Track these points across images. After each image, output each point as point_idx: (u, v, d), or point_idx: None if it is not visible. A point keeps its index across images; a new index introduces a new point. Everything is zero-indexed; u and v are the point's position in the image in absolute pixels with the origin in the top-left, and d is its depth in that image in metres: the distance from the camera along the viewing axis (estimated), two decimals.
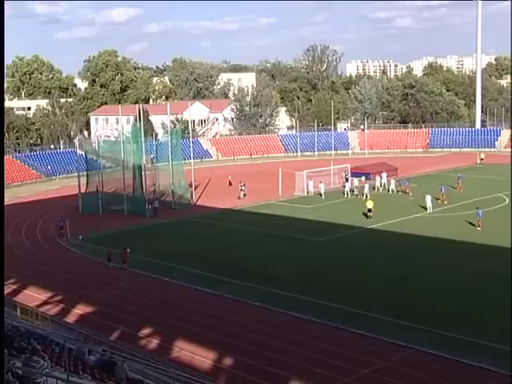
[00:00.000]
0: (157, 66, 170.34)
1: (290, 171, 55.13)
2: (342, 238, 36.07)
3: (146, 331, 22.59)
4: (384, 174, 54.64)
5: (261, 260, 31.92)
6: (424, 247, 33.09)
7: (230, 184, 58.37)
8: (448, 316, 22.85)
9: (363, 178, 54.95)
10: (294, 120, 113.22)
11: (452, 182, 52.78)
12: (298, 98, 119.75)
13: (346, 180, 53.33)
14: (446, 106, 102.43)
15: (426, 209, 41.85)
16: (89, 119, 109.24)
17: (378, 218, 40.45)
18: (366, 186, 49.65)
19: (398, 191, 51.12)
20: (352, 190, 51.16)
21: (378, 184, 52.59)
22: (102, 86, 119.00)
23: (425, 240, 34.57)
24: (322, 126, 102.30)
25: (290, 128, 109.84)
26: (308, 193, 51.67)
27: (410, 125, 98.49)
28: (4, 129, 37.49)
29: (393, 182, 52.02)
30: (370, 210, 40.56)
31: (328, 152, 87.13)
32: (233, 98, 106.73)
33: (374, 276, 28.22)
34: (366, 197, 48.08)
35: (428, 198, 42.11)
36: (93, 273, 31.31)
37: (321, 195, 49.25)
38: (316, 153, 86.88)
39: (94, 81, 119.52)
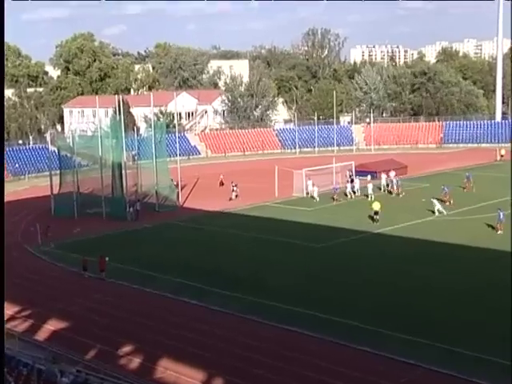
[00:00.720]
0: (138, 52, 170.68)
1: (287, 169, 55.32)
2: (345, 243, 36.31)
3: (126, 349, 22.60)
4: (392, 173, 55.11)
5: (254, 268, 32.07)
6: (436, 254, 33.33)
7: (222, 184, 58.52)
8: (461, 329, 23.06)
9: (368, 177, 55.29)
10: (291, 113, 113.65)
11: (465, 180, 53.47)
12: (297, 88, 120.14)
13: (352, 181, 53.70)
14: (463, 97, 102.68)
15: (439, 212, 42.25)
16: (62, 111, 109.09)
17: (385, 221, 40.68)
18: (370, 186, 50.06)
19: (390, 192, 51.77)
20: (354, 192, 51.57)
21: (383, 183, 52.93)
22: (76, 74, 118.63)
23: (437, 246, 34.86)
24: (323, 119, 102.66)
25: (288, 121, 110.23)
26: (307, 194, 52.01)
27: (421, 117, 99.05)
28: (4, 129, 39.03)
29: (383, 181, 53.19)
30: (376, 213, 40.83)
31: (330, 148, 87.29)
32: (224, 88, 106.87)
33: (380, 285, 28.43)
34: (371, 198, 48.62)
35: (435, 201, 42.65)
36: (66, 284, 31.30)
37: (313, 198, 49.34)
38: (316, 149, 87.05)
39: (67, 68, 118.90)
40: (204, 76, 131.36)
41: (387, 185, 53.13)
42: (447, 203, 45.34)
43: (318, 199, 49.08)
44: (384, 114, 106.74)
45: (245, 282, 29.67)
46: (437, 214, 41.99)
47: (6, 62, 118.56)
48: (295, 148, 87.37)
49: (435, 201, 42.78)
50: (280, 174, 54.02)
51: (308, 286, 29.02)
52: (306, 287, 28.78)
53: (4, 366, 9.92)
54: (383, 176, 53.99)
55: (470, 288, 27.70)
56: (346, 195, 50.77)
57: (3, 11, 9.68)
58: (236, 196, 52.55)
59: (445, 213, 41.92)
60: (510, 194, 44.47)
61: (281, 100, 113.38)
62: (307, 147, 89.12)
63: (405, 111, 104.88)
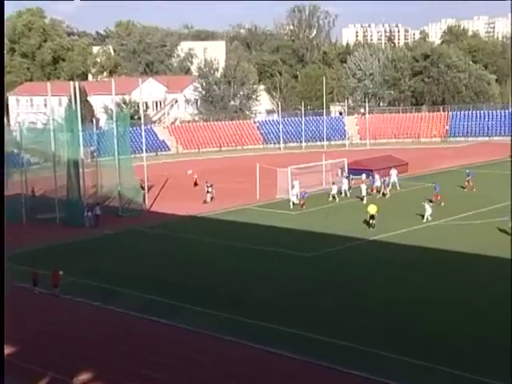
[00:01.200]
0: (97, 32, 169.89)
1: (270, 168, 55.59)
2: (338, 252, 36.61)
3: (83, 376, 22.41)
4: (394, 171, 55.84)
5: (232, 282, 32.17)
6: (439, 263, 33.75)
7: (196, 184, 58.62)
8: (468, 351, 23.30)
9: (363, 176, 55.83)
10: (275, 102, 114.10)
11: (476, 180, 54.28)
12: (281, 74, 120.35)
13: (346, 180, 54.28)
14: (472, 83, 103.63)
15: (427, 219, 43.00)
16: (7, 100, 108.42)
17: (382, 226, 41.17)
18: (364, 187, 50.55)
19: (383, 194, 52.55)
20: (340, 192, 52.17)
21: (377, 184, 53.37)
22: (24, 56, 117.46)
23: (440, 254, 35.35)
24: (311, 109, 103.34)
25: (271, 112, 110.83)
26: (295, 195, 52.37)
27: (424, 107, 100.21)
28: (4, 129, 40.31)
29: (377, 181, 53.91)
30: (372, 217, 41.23)
31: (319, 143, 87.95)
32: (197, 74, 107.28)
33: (376, 300, 28.69)
34: (362, 199, 49.31)
35: (427, 206, 43.30)
36: (13, 302, 30.97)
37: (293, 203, 49.39)
38: (303, 144, 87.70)
39: (12, 49, 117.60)
40: (174, 60, 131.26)
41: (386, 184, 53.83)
42: (438, 204, 46.50)
43: (294, 203, 49.05)
44: (381, 104, 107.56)
45: (222, 298, 29.76)
46: (424, 220, 42.69)
47: None
48: (279, 143, 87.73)
49: (427, 206, 43.30)
50: (262, 173, 54.22)
51: (295, 301, 29.18)
52: (292, 303, 28.95)
53: (4, 367, 10.27)
54: (377, 177, 54.50)
55: (474, 301, 28.02)
56: (335, 198, 51.22)
57: (3, 11, 9.93)
58: (211, 198, 52.63)
59: (429, 218, 42.58)
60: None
61: (262, 88, 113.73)
62: (293, 142, 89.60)
63: (405, 100, 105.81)
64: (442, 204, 46.67)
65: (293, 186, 51.05)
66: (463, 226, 41.56)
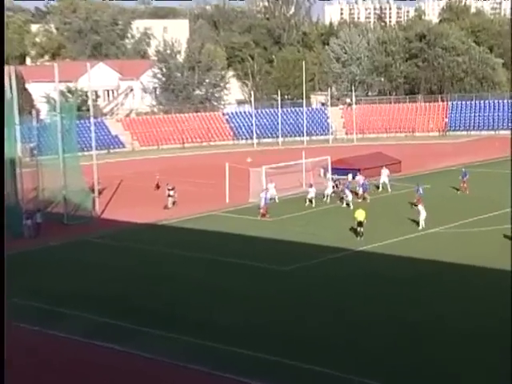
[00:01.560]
0: (36, 8, 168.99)
1: (241, 167, 55.75)
2: (320, 265, 36.80)
3: None
4: (385, 171, 56.39)
5: (196, 300, 32.18)
6: (438, 278, 34.08)
7: (158, 187, 58.39)
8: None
9: (349, 176, 56.13)
10: (246, 91, 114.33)
11: (474, 180, 55.20)
12: (253, 59, 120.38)
13: (335, 183, 54.62)
14: (475, 68, 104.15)
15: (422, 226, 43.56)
16: None
17: (372, 235, 41.56)
18: (347, 191, 50.67)
19: (363, 197, 52.91)
20: (323, 195, 52.57)
21: (362, 186, 53.58)
22: None
23: (439, 267, 35.78)
24: (290, 99, 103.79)
25: (242, 103, 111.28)
26: (271, 199, 52.55)
27: (419, 96, 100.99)
28: (4, 128, 41.45)
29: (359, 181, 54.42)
30: (360, 224, 41.50)
31: (298, 138, 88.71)
32: (155, 58, 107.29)
33: (366, 323, 28.93)
34: (348, 205, 49.91)
35: (420, 208, 43.79)
36: None
37: (262, 215, 49.24)
38: (280, 140, 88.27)
39: None
40: (127, 41, 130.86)
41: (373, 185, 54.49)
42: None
43: (259, 217, 49.10)
44: (370, 93, 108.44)
45: (184, 319, 29.76)
46: (420, 226, 43.10)
47: None
48: (252, 138, 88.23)
49: (421, 208, 43.66)
50: (232, 174, 54.40)
51: (270, 323, 29.28)
52: (267, 325, 29.03)
53: (4, 365, 12.90)
54: (359, 178, 54.83)
55: (487, 327, 28.27)
56: (311, 202, 51.52)
57: (3, 11, 10.61)
58: (173, 203, 52.61)
59: (423, 224, 43.04)
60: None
61: (232, 74, 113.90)
62: (268, 137, 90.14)
63: (397, 89, 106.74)
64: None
65: (267, 189, 51.18)
66: (461, 235, 42.09)
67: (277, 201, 53.04)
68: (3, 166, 35.91)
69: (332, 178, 55.62)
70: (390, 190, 55.33)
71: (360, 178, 54.60)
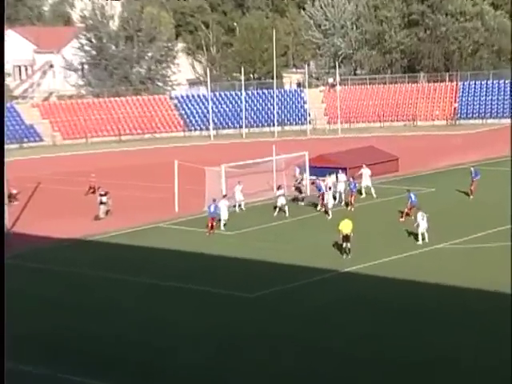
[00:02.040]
0: None
1: (194, 166, 55.69)
2: (294, 291, 36.78)
3: None
4: (366, 171, 56.22)
5: (138, 338, 32.02)
6: (445, 307, 34.09)
7: (93, 192, 57.50)
8: None
9: (332, 177, 56.21)
10: (200, 69, 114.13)
11: (489, 182, 55.65)
12: (208, 27, 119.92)
13: (298, 189, 54.65)
14: (491, 38, 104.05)
15: (422, 238, 43.73)
16: None
17: (361, 252, 41.57)
18: (329, 195, 50.74)
19: (346, 204, 53.37)
20: (297, 199, 53.21)
21: (340, 188, 53.70)
22: None
23: (446, 293, 35.77)
24: (256, 79, 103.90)
25: (195, 84, 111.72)
26: (235, 206, 52.74)
27: (421, 75, 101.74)
28: (4, 127, 41.32)
29: (341, 184, 54.67)
30: (346, 239, 41.41)
31: (267, 129, 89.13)
32: (82, 25, 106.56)
33: (352, 361, 28.99)
34: (327, 213, 50.23)
35: (419, 218, 43.76)
36: None
37: (217, 226, 49.03)
38: (244, 131, 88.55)
39: None
40: (45, 2, 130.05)
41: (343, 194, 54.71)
42: (404, 218, 47.99)
43: (224, 221, 48.92)
44: (358, 71, 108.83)
45: (124, 364, 29.55)
46: (420, 240, 43.28)
47: None
48: (208, 129, 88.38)
49: (421, 217, 43.64)
50: (183, 175, 54.37)
51: (233, 364, 29.18)
52: (229, 368, 28.90)
53: (4, 366, 14.23)
54: (341, 176, 55.08)
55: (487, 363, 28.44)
56: (284, 211, 51.32)
57: (3, 11, 14.09)
58: (107, 212, 52.42)
59: (425, 235, 43.22)
60: None
61: (182, 47, 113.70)
62: (229, 127, 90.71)
63: (393, 65, 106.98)
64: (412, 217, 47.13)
65: (225, 196, 50.97)
66: (472, 252, 42.16)
67: (243, 208, 53.37)
68: (3, 166, 36.95)
69: (300, 180, 55.60)
70: (374, 195, 55.03)
71: (342, 177, 54.86)
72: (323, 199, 51.80)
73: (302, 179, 55.74)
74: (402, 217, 48.40)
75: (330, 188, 52.16)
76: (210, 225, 47.66)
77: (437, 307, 34.35)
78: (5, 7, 14.64)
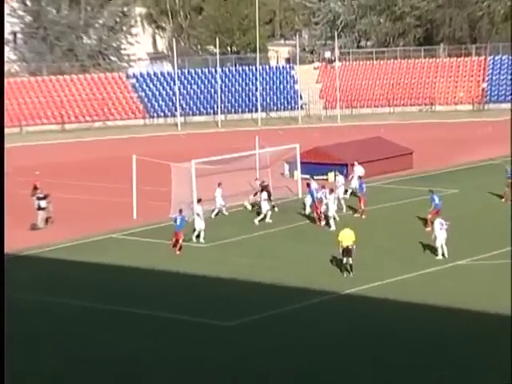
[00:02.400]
0: None
1: (157, 162, 55.97)
2: (283, 318, 36.76)
3: None
4: (359, 169, 56.69)
5: (88, 376, 32.17)
6: (467, 337, 33.89)
7: (35, 192, 57.30)
8: None
9: (330, 175, 56.48)
10: (164, 40, 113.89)
11: None
12: None
13: (261, 191, 54.36)
14: None
15: (443, 254, 43.99)
16: None
17: (366, 269, 41.82)
18: (332, 198, 50.78)
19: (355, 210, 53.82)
20: (273, 206, 53.27)
21: (340, 193, 53.87)
22: None
23: (470, 321, 35.64)
24: (235, 53, 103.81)
25: (157, 58, 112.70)
26: (214, 210, 53.41)
27: (440, 48, 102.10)
28: (4, 126, 43.00)
29: (341, 189, 55.00)
30: (347, 253, 41.47)
31: (248, 116, 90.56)
32: None
33: None
34: (327, 222, 50.34)
35: (437, 224, 43.80)
36: None
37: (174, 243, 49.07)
38: (220, 117, 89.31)
39: None
40: None
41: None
42: (428, 228, 47.76)
43: (195, 239, 49.11)
44: (363, 42, 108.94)
45: None
46: (439, 255, 43.42)
47: None
48: (174, 115, 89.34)
49: (439, 225, 43.71)
50: (142, 172, 54.64)
51: None
52: None
53: (4, 365, 16.53)
54: (339, 179, 55.28)
55: None
56: (264, 218, 52.08)
57: (3, 11, 13.98)
58: (47, 220, 52.59)
59: (444, 249, 43.40)
60: None
61: (141, 12, 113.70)
62: (200, 113, 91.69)
63: (406, 35, 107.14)
64: (429, 229, 47.24)
65: (200, 201, 50.99)
66: (502, 269, 41.81)
67: (225, 213, 54.30)
68: (3, 166, 38.38)
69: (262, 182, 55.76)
70: (362, 209, 54.81)
71: (340, 179, 55.19)
72: (317, 207, 51.94)
73: (263, 182, 55.67)
74: (427, 225, 48.29)
75: (331, 190, 52.12)
76: (174, 241, 47.37)
77: (457, 337, 34.17)
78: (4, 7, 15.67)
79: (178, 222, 47.19)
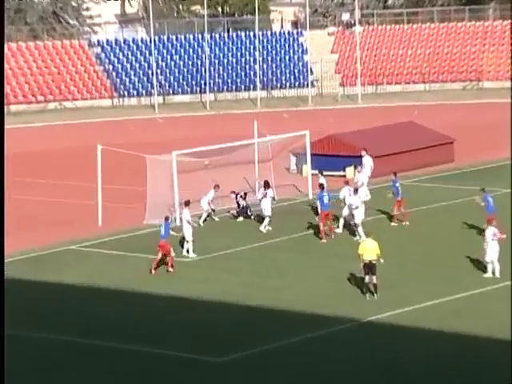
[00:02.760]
0: None
1: (129, 153, 56.11)
2: (286, 352, 36.66)
3: None
4: (368, 160, 57.17)
5: None
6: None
7: None
8: None
9: (348, 170, 56.67)
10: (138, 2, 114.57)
11: None
12: None
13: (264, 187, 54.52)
14: None
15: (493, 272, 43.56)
16: None
17: (394, 290, 42.01)
18: (356, 200, 50.78)
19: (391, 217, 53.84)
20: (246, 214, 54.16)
21: (361, 194, 53.88)
22: None
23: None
24: (228, 15, 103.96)
25: (128, 22, 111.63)
26: (203, 215, 53.59)
27: (489, 8, 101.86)
28: (4, 124, 47.11)
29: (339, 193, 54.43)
30: (370, 269, 41.49)
31: (244, 94, 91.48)
32: None
33: None
34: (354, 234, 50.19)
35: (490, 233, 43.72)
36: None
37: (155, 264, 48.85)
38: (208, 97, 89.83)
39: None
40: None
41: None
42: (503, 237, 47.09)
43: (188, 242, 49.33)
44: (390, 1, 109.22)
45: None
46: (489, 274, 43.41)
47: None
48: (150, 94, 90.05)
49: (490, 236, 43.61)
50: (110, 166, 54.91)
51: None
52: None
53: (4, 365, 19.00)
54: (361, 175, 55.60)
55: None
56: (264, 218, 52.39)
57: (3, 11, 14.66)
58: None
59: (496, 267, 43.37)
60: None
61: None
62: (183, 92, 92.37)
63: None
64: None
65: (188, 205, 51.05)
66: None
67: (215, 219, 54.75)
68: (3, 165, 40.25)
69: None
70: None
71: (363, 175, 55.01)
72: (327, 216, 51.65)
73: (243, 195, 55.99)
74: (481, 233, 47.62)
75: (356, 190, 52.07)
76: (159, 256, 46.84)
77: (507, 375, 34.24)
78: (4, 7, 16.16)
79: (162, 232, 46.88)
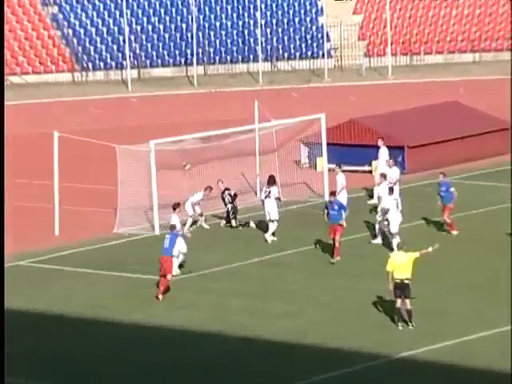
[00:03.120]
0: None
1: (95, 142, 55.79)
2: None
3: None
4: (385, 151, 57.66)
5: None
6: None
7: None
8: None
9: (379, 162, 56.68)
10: None
11: None
12: None
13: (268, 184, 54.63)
14: None
15: None
16: None
17: (432, 318, 41.98)
18: (391, 201, 50.80)
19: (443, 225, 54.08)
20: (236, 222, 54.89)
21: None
22: None
23: None
24: None
25: None
26: (188, 221, 54.03)
27: None
28: (4, 124, 49.55)
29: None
30: (402, 290, 41.47)
31: (242, 67, 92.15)
32: None
33: None
34: (391, 246, 50.19)
35: None
36: None
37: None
38: (196, 70, 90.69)
39: None
40: None
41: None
42: None
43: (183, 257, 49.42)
44: None
45: None
46: None
47: None
48: (122, 67, 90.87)
49: None
50: (71, 159, 55.34)
51: None
52: None
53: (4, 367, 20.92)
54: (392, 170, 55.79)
55: None
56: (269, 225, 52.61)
57: (3, 11, 15.10)
58: None
59: None
60: None
61: None
62: (165, 64, 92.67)
63: None
64: None
65: (177, 209, 51.14)
66: None
67: (205, 226, 55.12)
68: (3, 165, 41.35)
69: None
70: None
71: (394, 171, 55.00)
72: (339, 228, 51.25)
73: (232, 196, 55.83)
74: None
75: (392, 190, 52.05)
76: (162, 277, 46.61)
77: None
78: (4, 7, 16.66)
79: (167, 244, 46.44)
